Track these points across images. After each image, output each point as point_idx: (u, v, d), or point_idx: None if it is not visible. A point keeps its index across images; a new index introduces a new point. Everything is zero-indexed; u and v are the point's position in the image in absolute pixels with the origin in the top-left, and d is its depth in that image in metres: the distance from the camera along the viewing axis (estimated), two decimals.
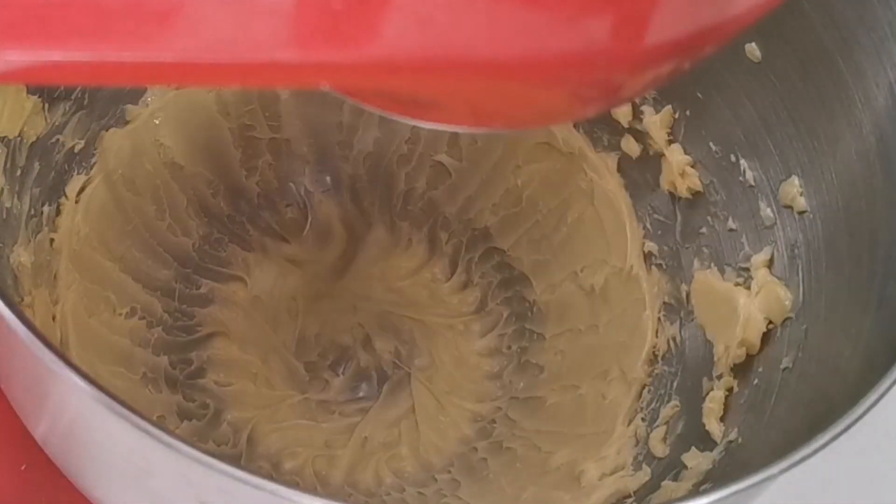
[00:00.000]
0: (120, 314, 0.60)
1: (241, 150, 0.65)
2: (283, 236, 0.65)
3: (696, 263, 0.60)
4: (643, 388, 0.60)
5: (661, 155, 0.61)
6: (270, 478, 0.33)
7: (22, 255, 0.54)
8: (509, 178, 0.66)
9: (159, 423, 0.34)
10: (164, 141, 0.63)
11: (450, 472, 0.60)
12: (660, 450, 0.56)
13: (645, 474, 0.55)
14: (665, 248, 0.62)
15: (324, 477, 0.59)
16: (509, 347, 0.64)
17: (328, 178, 0.67)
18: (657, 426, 0.57)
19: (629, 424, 0.59)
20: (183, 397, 0.59)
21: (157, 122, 0.62)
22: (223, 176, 0.65)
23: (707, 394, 0.56)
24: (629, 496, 0.55)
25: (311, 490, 0.55)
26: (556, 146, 0.64)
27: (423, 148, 0.66)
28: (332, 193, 0.67)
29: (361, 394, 0.62)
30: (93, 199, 0.60)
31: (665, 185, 0.61)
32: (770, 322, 0.54)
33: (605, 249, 0.63)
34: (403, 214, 0.67)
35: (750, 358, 0.55)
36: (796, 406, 0.49)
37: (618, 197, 0.63)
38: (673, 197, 0.61)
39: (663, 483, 0.53)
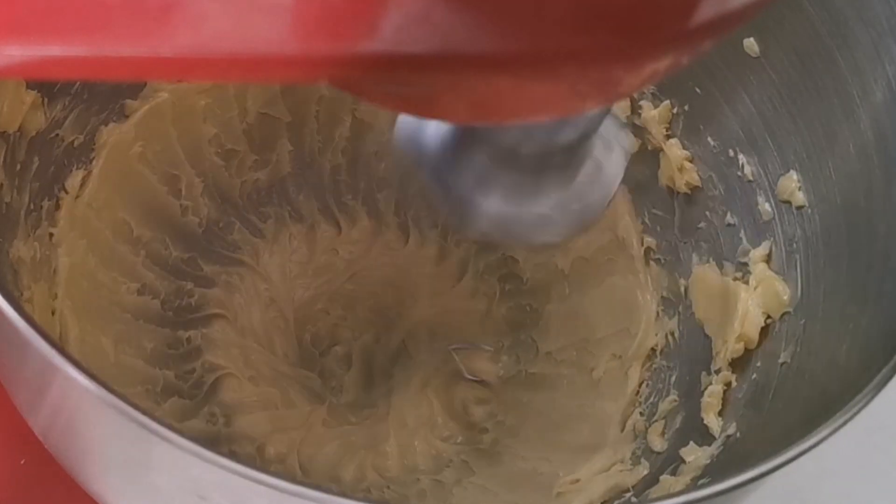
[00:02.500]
0: (123, 289, 0.60)
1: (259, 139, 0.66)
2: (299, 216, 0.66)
3: (695, 258, 0.60)
4: (641, 382, 0.60)
5: (659, 150, 0.61)
6: (269, 472, 0.33)
7: (21, 250, 0.54)
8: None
9: (158, 418, 0.34)
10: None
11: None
12: (658, 444, 0.56)
13: (643, 468, 0.56)
14: (663, 242, 0.62)
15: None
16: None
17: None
18: (655, 421, 0.57)
19: (627, 420, 0.59)
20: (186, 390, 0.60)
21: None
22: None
23: (705, 388, 0.56)
24: (627, 490, 0.55)
25: (310, 484, 0.54)
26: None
27: None
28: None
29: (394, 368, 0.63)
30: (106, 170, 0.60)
31: (663, 180, 0.62)
32: (768, 317, 0.54)
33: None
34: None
35: (748, 352, 0.55)
36: (794, 400, 0.49)
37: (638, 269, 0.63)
38: (671, 192, 0.61)
39: (661, 477, 0.53)
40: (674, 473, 0.53)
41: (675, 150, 0.61)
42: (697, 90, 0.59)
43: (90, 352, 0.57)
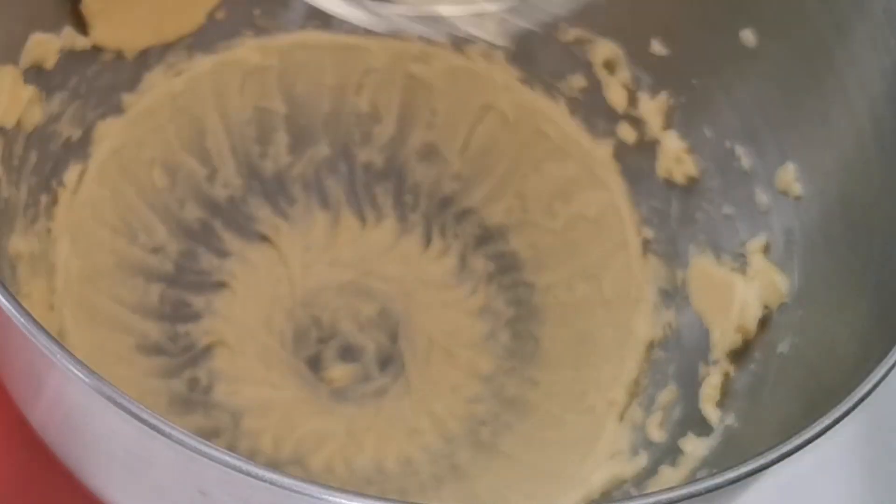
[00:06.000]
0: (122, 283, 0.60)
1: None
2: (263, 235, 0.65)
3: (693, 249, 0.60)
4: (640, 373, 0.60)
5: (656, 141, 0.61)
6: (269, 468, 0.33)
7: (19, 245, 0.54)
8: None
9: (157, 414, 0.34)
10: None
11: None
12: (657, 435, 0.56)
13: (642, 460, 0.56)
14: (661, 234, 0.62)
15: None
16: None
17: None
18: (654, 412, 0.57)
19: (625, 413, 0.59)
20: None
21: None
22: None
23: (704, 379, 0.56)
24: (626, 482, 0.55)
25: (311, 479, 0.55)
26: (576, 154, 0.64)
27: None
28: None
29: (387, 369, 0.62)
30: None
31: (661, 171, 0.61)
32: (766, 307, 0.54)
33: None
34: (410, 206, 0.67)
35: (746, 343, 0.55)
36: (793, 391, 0.49)
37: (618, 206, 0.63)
38: (669, 183, 0.61)
39: (660, 468, 0.53)
40: (673, 465, 0.53)
41: (672, 142, 0.61)
42: (694, 82, 0.59)
43: (89, 347, 0.57)
